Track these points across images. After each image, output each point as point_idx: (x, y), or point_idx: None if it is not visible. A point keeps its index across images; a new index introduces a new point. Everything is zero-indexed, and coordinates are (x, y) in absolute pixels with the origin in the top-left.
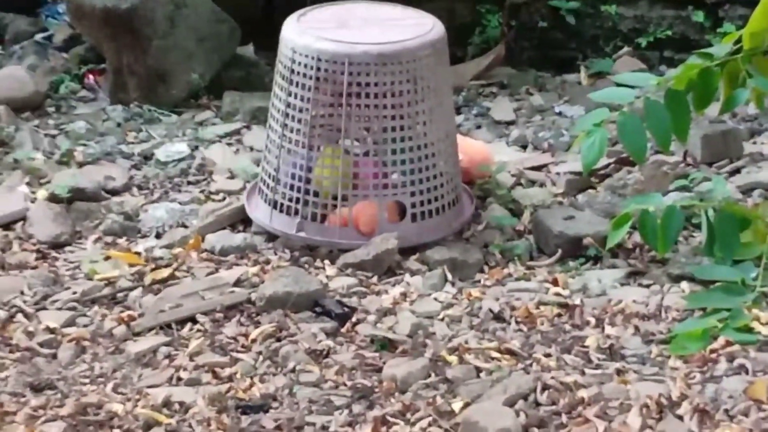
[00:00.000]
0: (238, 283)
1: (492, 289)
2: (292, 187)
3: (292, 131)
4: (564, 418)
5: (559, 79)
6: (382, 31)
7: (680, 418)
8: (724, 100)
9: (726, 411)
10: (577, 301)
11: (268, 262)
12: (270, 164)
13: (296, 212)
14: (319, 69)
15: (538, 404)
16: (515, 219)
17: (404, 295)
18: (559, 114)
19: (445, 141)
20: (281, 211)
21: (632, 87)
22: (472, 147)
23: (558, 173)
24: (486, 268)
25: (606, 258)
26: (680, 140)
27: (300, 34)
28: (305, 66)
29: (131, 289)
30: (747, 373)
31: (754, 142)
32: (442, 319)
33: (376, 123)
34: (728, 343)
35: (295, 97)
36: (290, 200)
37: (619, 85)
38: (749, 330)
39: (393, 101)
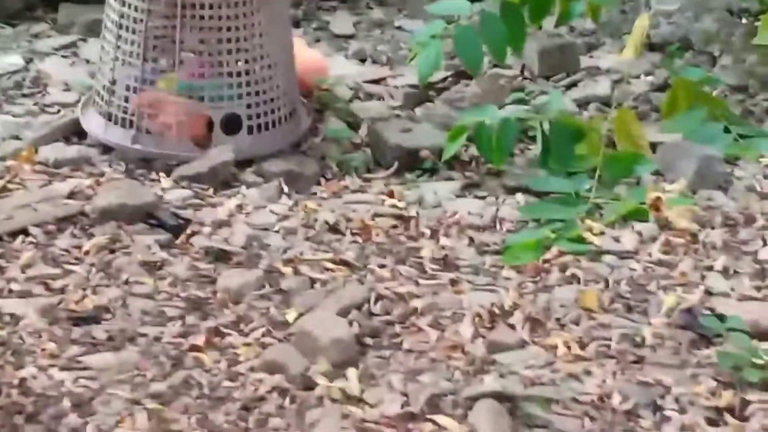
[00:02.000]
0: (71, 195)
1: (328, 201)
2: (127, 99)
3: (126, 42)
4: (397, 328)
5: None
6: None
7: (512, 327)
8: (559, 13)
9: (557, 320)
10: (413, 213)
11: (102, 174)
12: (104, 76)
13: (131, 124)
14: None
15: (372, 314)
16: (353, 132)
17: (240, 207)
18: (399, 28)
19: (282, 53)
20: (116, 123)
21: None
22: (307, 56)
23: (396, 86)
24: (323, 180)
25: (442, 170)
26: (515, 52)
27: None
28: None
29: None
30: (579, 282)
31: (591, 56)
32: (278, 231)
33: (211, 34)
34: (561, 254)
35: (129, 8)
36: (125, 112)
37: None
38: (581, 240)
39: (228, 12)
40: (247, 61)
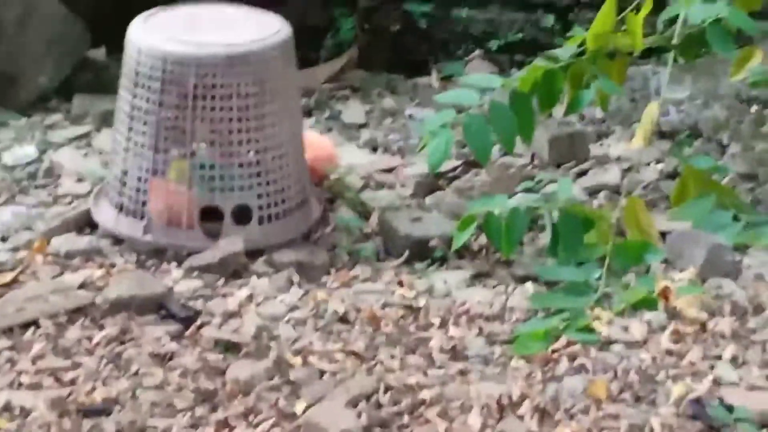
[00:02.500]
0: (82, 286)
1: (338, 291)
2: (138, 190)
3: (138, 133)
4: (406, 419)
5: (411, 82)
6: (230, 33)
7: (521, 417)
8: (568, 102)
9: (566, 410)
10: (422, 303)
11: (113, 265)
12: (116, 167)
13: (142, 215)
14: (165, 71)
15: (380, 405)
16: (363, 221)
17: (250, 297)
18: (410, 117)
19: (293, 143)
20: (127, 214)
21: (481, 90)
22: (317, 144)
23: (407, 175)
24: (333, 270)
25: (452, 259)
26: (525, 141)
27: (146, 36)
28: (151, 68)
29: None
30: (587, 372)
31: (601, 144)
32: (288, 321)
33: (222, 125)
34: (570, 343)
35: (141, 99)
36: (136, 203)
37: (467, 87)
38: (591, 330)
39: (239, 103)
40: (257, 151)
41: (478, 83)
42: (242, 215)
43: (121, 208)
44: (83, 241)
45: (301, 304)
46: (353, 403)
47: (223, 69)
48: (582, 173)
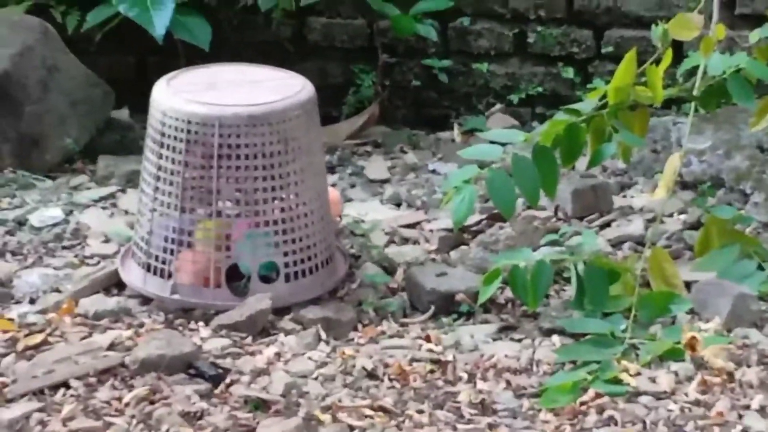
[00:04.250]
0: (111, 346)
1: (365, 347)
2: (165, 250)
3: (163, 194)
4: None
5: (433, 137)
6: (251, 93)
7: None
8: (591, 155)
9: None
10: (450, 357)
11: (142, 325)
12: (142, 227)
13: (170, 275)
14: (189, 131)
15: None
16: (388, 277)
17: (278, 354)
18: (433, 172)
19: (317, 200)
20: (155, 273)
21: (502, 144)
22: None
23: (431, 230)
24: (360, 326)
25: (478, 313)
26: (548, 195)
27: (170, 97)
28: (176, 129)
29: (4, 355)
30: (616, 424)
31: (624, 196)
32: (316, 378)
33: (247, 184)
34: (598, 396)
35: (166, 160)
36: (163, 263)
37: (489, 142)
38: (618, 381)
39: (264, 162)
40: (283, 210)
41: (500, 137)
42: (269, 274)
43: (148, 268)
44: (111, 302)
45: (329, 361)
46: None
47: (246, 128)
48: (605, 225)
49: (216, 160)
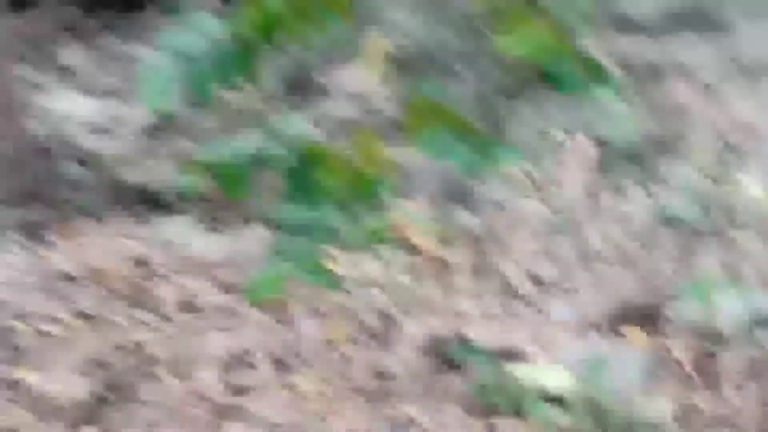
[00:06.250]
0: None
1: (63, 247)
2: None
3: None
4: (137, 379)
5: (130, 20)
6: None
7: (256, 368)
8: (295, 35)
9: (301, 356)
10: (152, 255)
11: None
12: None
13: None
14: None
15: (110, 367)
16: (86, 171)
17: None
18: (132, 59)
19: None
20: None
21: (202, 29)
22: None
23: (129, 120)
24: (56, 225)
25: (181, 207)
26: (249, 81)
27: None
28: None
29: None
30: (323, 316)
31: (330, 76)
32: (9, 284)
33: None
34: (304, 287)
35: None
36: None
37: (187, 27)
38: (325, 272)
39: None
40: None
41: (200, 23)
42: None
43: None
44: None
45: (23, 264)
46: (82, 368)
47: None
48: (311, 106)
49: None
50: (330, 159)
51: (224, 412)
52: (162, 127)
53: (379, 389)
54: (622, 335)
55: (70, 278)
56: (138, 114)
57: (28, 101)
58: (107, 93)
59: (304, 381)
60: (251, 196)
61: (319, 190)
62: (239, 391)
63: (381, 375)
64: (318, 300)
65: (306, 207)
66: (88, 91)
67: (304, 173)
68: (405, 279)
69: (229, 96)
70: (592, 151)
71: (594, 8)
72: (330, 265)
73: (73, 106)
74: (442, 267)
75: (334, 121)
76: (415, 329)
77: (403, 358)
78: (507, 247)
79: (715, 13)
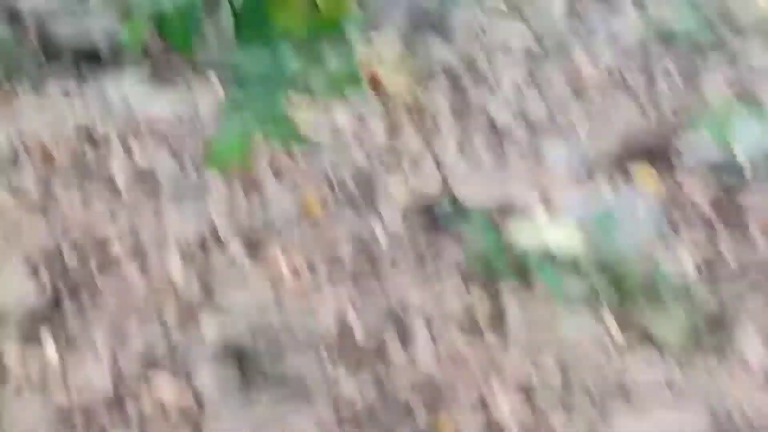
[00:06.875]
0: None
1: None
2: None
3: None
4: (96, 276)
5: None
6: None
7: (224, 247)
8: None
9: (273, 229)
10: (99, 123)
11: None
12: None
13: None
14: None
15: (61, 260)
16: (16, 30)
17: None
18: None
19: None
20: None
21: None
22: None
23: None
24: None
25: (124, 62)
26: None
27: None
28: None
29: None
30: (292, 179)
31: None
32: None
33: None
34: (268, 147)
35: None
36: None
37: None
38: (290, 124)
39: None
40: None
41: None
42: None
43: None
44: None
45: None
46: (31, 264)
47: None
48: None
49: None
50: None
51: (194, 305)
52: None
53: (364, 262)
54: (629, 178)
55: (6, 155)
56: None
57: None
58: None
59: (280, 259)
60: (200, 44)
61: (275, 30)
62: (207, 281)
63: (364, 245)
64: (285, 161)
65: (262, 52)
66: None
67: (257, 12)
68: (379, 129)
69: None
70: None
71: None
72: (295, 117)
73: None
74: (420, 112)
75: None
76: (396, 189)
77: (387, 224)
78: (490, 83)
79: None
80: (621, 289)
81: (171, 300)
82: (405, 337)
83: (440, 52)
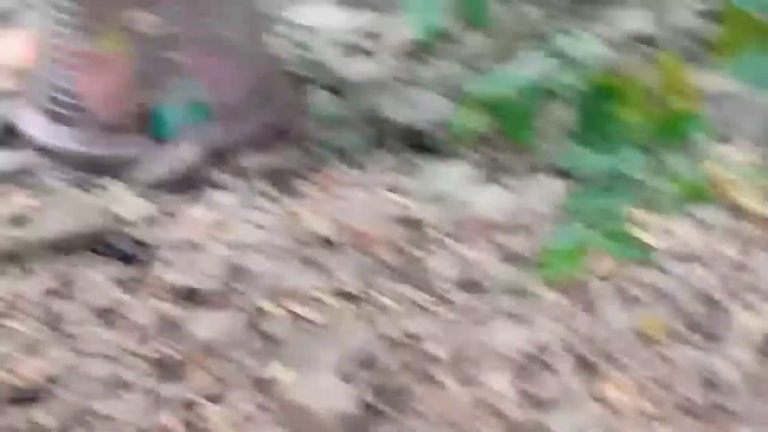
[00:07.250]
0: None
1: (317, 200)
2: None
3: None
4: (412, 383)
5: None
6: None
7: (554, 370)
8: None
9: (609, 355)
10: (423, 214)
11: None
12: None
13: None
14: None
15: (378, 366)
16: (342, 102)
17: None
18: None
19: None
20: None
21: None
22: None
23: (388, 39)
24: (307, 172)
25: (453, 150)
26: None
27: None
28: None
29: None
30: (632, 300)
31: None
32: (257, 248)
33: None
34: (609, 260)
35: None
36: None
37: None
38: (633, 240)
39: None
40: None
41: None
42: None
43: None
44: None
45: (274, 224)
46: (346, 368)
47: None
48: (601, 19)
49: None
50: (628, 88)
51: (519, 425)
52: (428, 49)
53: (707, 403)
54: None
55: (327, 243)
56: (400, 32)
57: (273, 13)
58: (362, 4)
59: (616, 390)
60: (536, 137)
61: (616, 129)
62: (536, 402)
63: (709, 383)
64: (624, 278)
65: (604, 154)
66: (342, 1)
67: (597, 107)
68: (731, 251)
69: (506, 14)
70: None
71: None
72: (637, 231)
73: (324, 20)
74: None
75: (628, 35)
76: (748, 320)
77: (736, 360)
78: None
79: None
80: None
81: (493, 418)
82: None
83: None
